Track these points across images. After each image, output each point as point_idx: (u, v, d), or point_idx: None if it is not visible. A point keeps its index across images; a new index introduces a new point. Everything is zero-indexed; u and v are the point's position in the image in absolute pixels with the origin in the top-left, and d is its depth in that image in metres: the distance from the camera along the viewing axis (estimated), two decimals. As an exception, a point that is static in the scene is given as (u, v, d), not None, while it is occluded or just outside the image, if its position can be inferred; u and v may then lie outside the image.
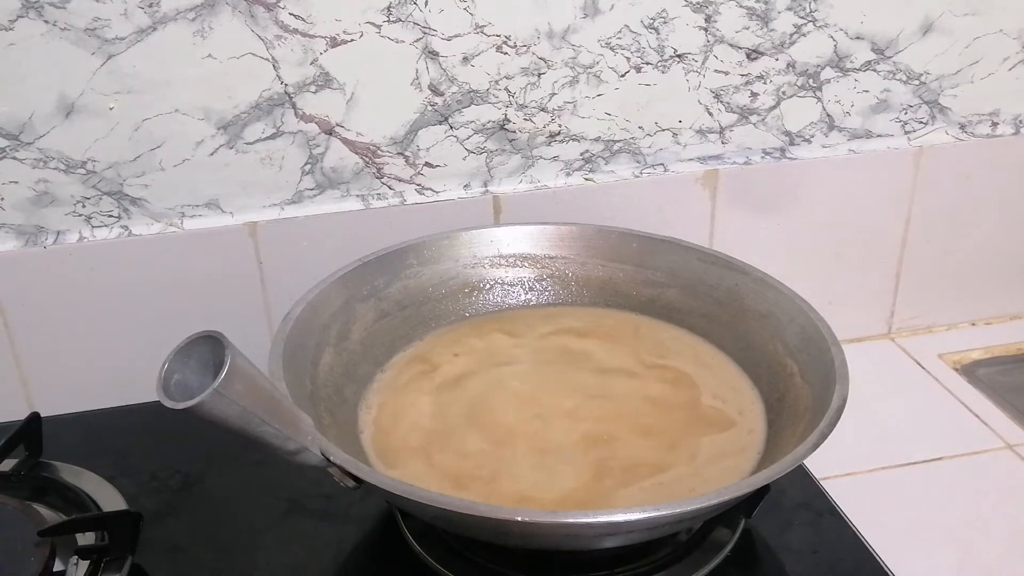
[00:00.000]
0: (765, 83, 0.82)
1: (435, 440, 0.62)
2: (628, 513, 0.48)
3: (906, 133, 0.87)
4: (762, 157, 0.85)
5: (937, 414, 0.82)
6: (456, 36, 0.75)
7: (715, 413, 0.65)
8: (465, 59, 0.76)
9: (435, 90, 0.76)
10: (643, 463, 0.60)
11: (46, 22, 0.68)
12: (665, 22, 0.77)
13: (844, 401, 0.56)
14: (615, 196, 0.82)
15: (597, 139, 0.81)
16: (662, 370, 0.69)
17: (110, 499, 0.66)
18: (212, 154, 0.75)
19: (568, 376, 0.68)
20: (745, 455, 0.61)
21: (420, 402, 0.66)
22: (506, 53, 0.76)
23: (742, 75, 0.81)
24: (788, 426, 0.61)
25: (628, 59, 0.78)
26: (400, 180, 0.79)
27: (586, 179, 0.82)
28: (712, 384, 0.68)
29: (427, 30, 0.74)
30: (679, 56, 0.79)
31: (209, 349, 0.46)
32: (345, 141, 0.77)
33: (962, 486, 0.72)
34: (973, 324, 0.95)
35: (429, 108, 0.77)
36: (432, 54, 0.75)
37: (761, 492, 0.59)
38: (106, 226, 0.76)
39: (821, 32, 0.80)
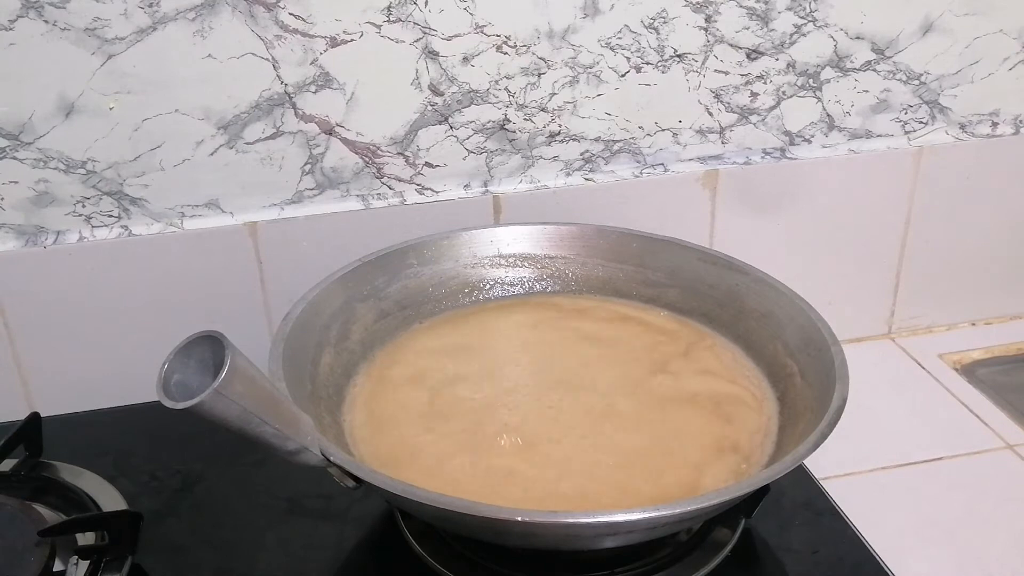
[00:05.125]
0: (765, 83, 0.82)
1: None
2: (628, 513, 0.48)
3: (906, 133, 0.87)
4: (762, 157, 0.85)
5: (937, 414, 0.82)
6: (456, 36, 0.75)
7: (751, 398, 0.65)
8: (465, 59, 0.76)
9: (435, 90, 0.76)
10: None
11: (46, 22, 0.68)
12: (665, 22, 0.77)
13: (844, 401, 0.56)
14: (615, 196, 0.82)
15: (597, 139, 0.81)
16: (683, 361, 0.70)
17: (110, 499, 0.66)
18: (212, 154, 0.75)
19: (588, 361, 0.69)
20: (771, 439, 0.62)
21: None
22: (506, 53, 0.76)
23: (742, 75, 0.81)
24: (788, 426, 0.62)
25: (628, 59, 0.78)
26: (400, 180, 0.79)
27: (586, 179, 0.82)
28: (739, 372, 0.68)
29: (427, 30, 0.74)
30: (679, 56, 0.79)
31: (209, 349, 0.46)
32: (345, 141, 0.77)
33: (962, 486, 0.72)
34: (973, 324, 0.95)
35: (429, 108, 0.77)
36: (432, 54, 0.75)
37: (761, 492, 0.59)
38: (106, 226, 0.76)
39: (821, 32, 0.80)
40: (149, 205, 0.76)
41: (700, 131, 0.83)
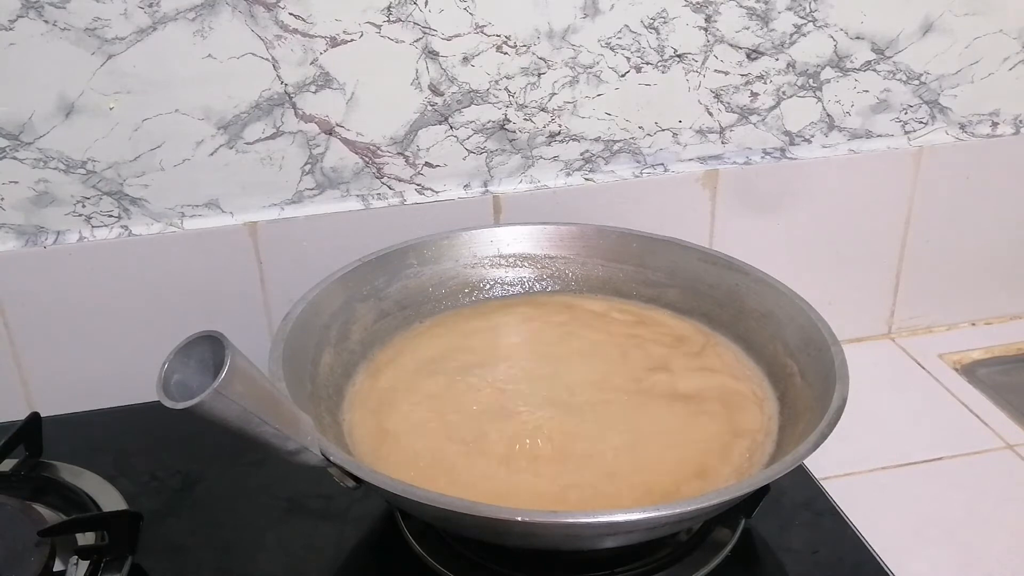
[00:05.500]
0: (765, 83, 0.82)
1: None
2: (628, 513, 0.48)
3: (906, 133, 0.87)
4: (762, 157, 0.85)
5: (937, 414, 0.82)
6: (456, 36, 0.75)
7: (753, 396, 0.65)
8: (465, 59, 0.76)
9: (435, 90, 0.76)
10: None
11: (46, 22, 0.68)
12: (665, 22, 0.77)
13: (844, 401, 0.56)
14: (615, 196, 0.82)
15: (597, 139, 0.81)
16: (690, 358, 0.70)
17: (110, 499, 0.66)
18: (212, 154, 0.75)
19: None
20: (771, 439, 0.62)
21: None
22: (506, 53, 0.76)
23: (742, 75, 0.81)
24: (788, 426, 0.62)
25: (628, 59, 0.78)
26: (400, 180, 0.79)
27: (586, 179, 0.82)
28: (740, 371, 0.68)
29: (427, 30, 0.74)
30: (679, 56, 0.79)
31: (209, 349, 0.46)
32: (345, 141, 0.77)
33: (962, 486, 0.72)
34: (973, 324, 0.95)
35: (429, 108, 0.77)
36: (432, 54, 0.75)
37: (761, 492, 0.59)
38: (106, 226, 0.76)
39: (821, 32, 0.80)
40: (149, 205, 0.76)
41: (700, 131, 0.83)
